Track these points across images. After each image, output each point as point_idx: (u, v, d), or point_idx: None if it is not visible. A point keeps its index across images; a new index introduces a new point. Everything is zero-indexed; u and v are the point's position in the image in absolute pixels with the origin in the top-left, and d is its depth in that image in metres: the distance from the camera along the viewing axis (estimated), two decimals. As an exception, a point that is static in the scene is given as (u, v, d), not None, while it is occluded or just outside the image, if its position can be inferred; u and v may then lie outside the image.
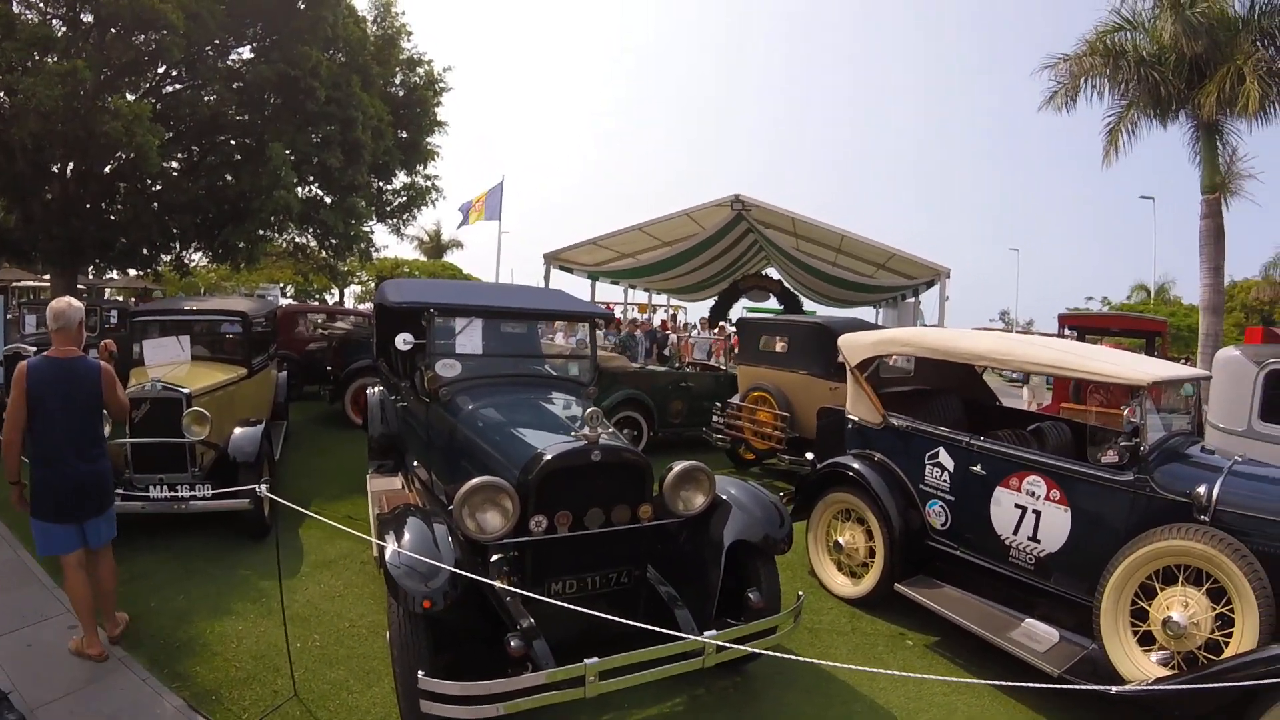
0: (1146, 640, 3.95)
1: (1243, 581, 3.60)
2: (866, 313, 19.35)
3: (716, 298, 21.39)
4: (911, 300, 17.45)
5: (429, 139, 18.79)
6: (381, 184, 18.76)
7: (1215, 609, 3.73)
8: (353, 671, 4.11)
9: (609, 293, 23.71)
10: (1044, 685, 3.66)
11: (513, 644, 3.20)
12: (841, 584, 5.49)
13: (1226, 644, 3.68)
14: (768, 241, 16.44)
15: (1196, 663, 3.73)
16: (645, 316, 24.96)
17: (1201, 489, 3.90)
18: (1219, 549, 3.67)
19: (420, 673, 2.98)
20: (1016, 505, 4.62)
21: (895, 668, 4.45)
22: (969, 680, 4.14)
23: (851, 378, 5.82)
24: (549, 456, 3.60)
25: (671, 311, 28.62)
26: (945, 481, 5.04)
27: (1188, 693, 3.50)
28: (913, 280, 16.45)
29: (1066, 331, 13.04)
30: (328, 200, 16.80)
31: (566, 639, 3.44)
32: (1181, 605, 3.79)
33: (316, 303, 36.12)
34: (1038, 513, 4.51)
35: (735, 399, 9.27)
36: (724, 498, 4.09)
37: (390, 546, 3.27)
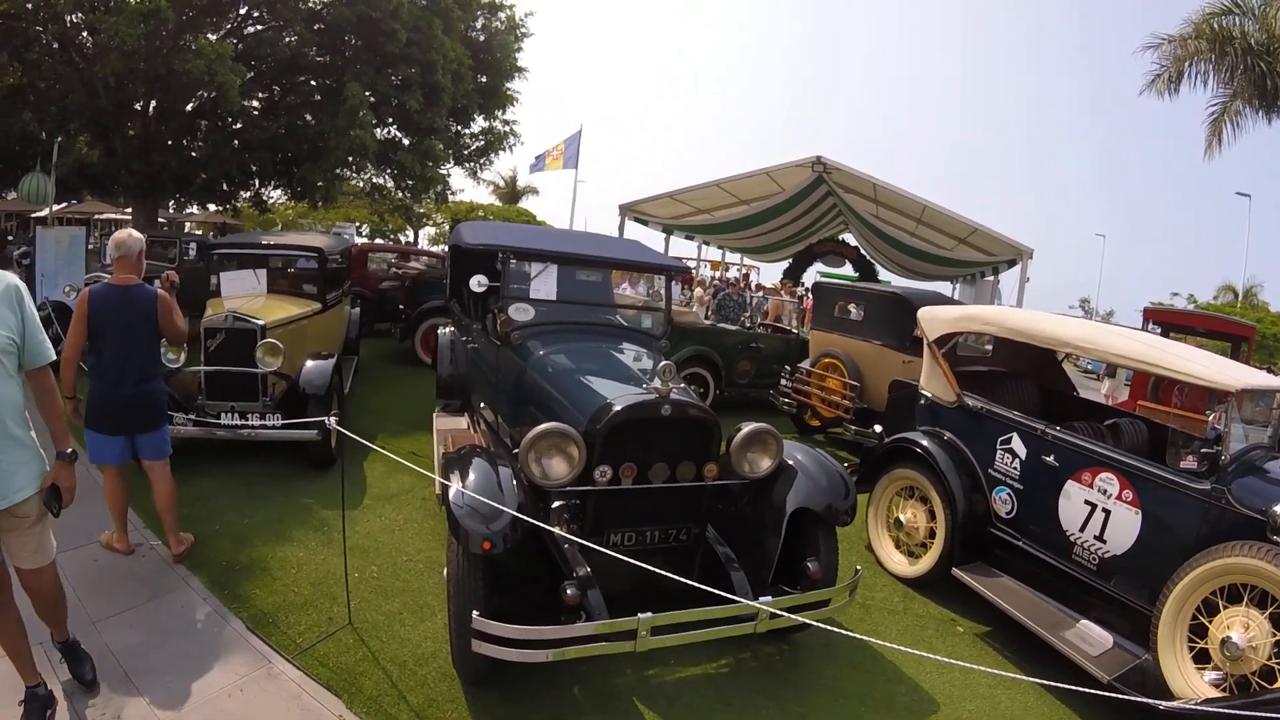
0: (1202, 658, 3.82)
1: None
2: (943, 287, 18.80)
3: (790, 260, 21.10)
4: (990, 279, 16.90)
5: (508, 84, 18.76)
6: (460, 128, 18.85)
7: (1277, 635, 3.58)
8: (407, 605, 4.22)
9: (682, 248, 23.60)
10: (1091, 690, 3.57)
11: (569, 592, 3.23)
12: (898, 562, 5.43)
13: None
14: (846, 206, 16.10)
15: (1249, 687, 3.61)
16: (733, 275, 24.59)
17: (1279, 508, 3.71)
18: None
19: (475, 613, 3.03)
20: (1087, 501, 4.49)
21: (943, 653, 4.38)
22: (1016, 675, 4.06)
23: (928, 352, 5.70)
24: (618, 407, 3.57)
25: (744, 270, 28.33)
26: (1015, 469, 4.92)
27: (1237, 718, 3.41)
28: (993, 258, 15.93)
29: (1151, 326, 12.49)
30: (406, 142, 16.98)
31: (620, 591, 3.45)
32: (1243, 626, 3.65)
33: (391, 242, 36.79)
34: (1107, 511, 4.38)
35: (805, 364, 9.17)
36: (790, 463, 4.02)
37: (454, 486, 3.32)
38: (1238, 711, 3.35)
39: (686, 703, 3.62)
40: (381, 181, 19.10)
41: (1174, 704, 3.61)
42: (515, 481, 3.45)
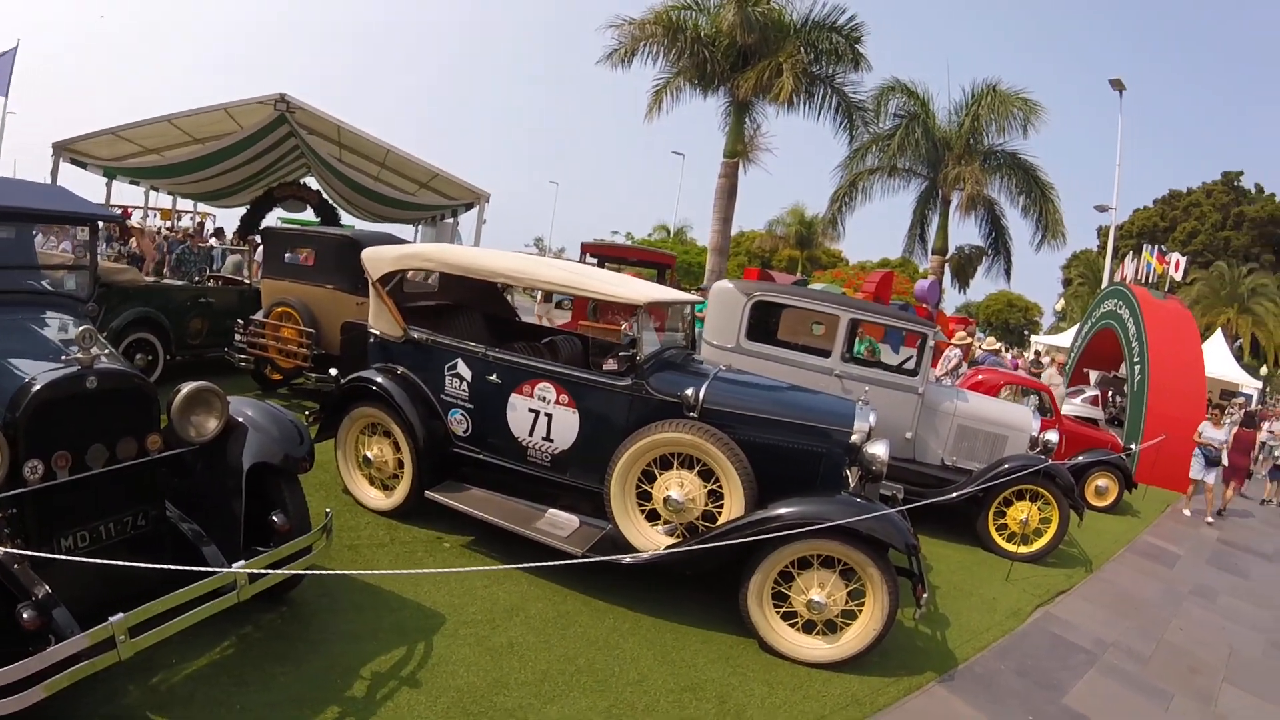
0: (655, 517, 4.49)
1: (726, 463, 4.25)
2: (406, 230, 18.85)
3: (248, 206, 18.93)
4: (450, 221, 17.43)
5: None
6: None
7: (707, 487, 4.35)
8: None
9: (128, 194, 19.67)
10: (570, 563, 3.97)
11: (26, 616, 2.54)
12: (375, 497, 5.34)
13: (720, 514, 4.34)
14: (309, 149, 14.92)
15: (697, 530, 4.36)
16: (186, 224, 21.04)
17: (689, 391, 4.49)
18: (704, 438, 4.26)
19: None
20: (530, 409, 4.85)
21: (435, 569, 4.47)
22: (504, 567, 4.31)
23: (374, 291, 5.54)
24: (38, 386, 2.86)
25: (199, 219, 24.80)
26: (464, 391, 5.08)
27: (696, 554, 4.10)
28: (453, 201, 16.36)
29: (588, 258, 14.12)
30: None
31: (93, 600, 2.84)
32: (678, 486, 4.35)
33: None
34: (550, 415, 4.80)
35: (259, 315, 8.32)
36: (240, 420, 3.67)
37: None
38: (695, 548, 4.08)
39: (203, 697, 3.14)
40: None
41: (639, 556, 4.27)
42: None
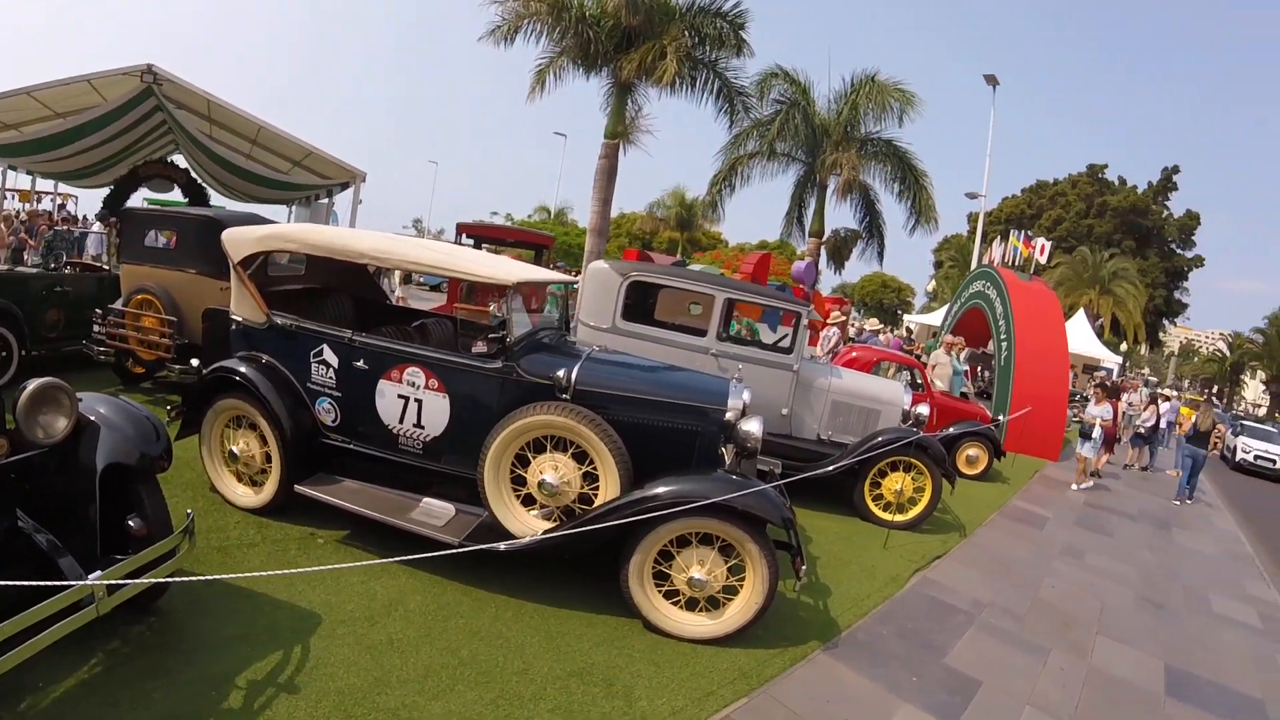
0: (531, 502, 4.35)
1: (599, 444, 4.13)
2: (279, 212, 17.88)
3: (112, 185, 17.45)
4: (325, 201, 16.65)
5: None
6: None
7: (582, 469, 4.22)
8: None
9: None
10: (446, 553, 3.82)
11: None
12: (243, 494, 5.00)
13: (596, 496, 4.23)
14: (177, 124, 13.85)
15: (574, 514, 4.24)
16: (46, 206, 19.25)
17: (561, 372, 4.33)
18: (577, 419, 4.13)
19: None
20: (400, 395, 4.62)
21: (309, 567, 4.17)
22: (378, 561, 4.09)
23: (235, 275, 5.16)
24: None
25: (60, 201, 22.84)
26: (331, 378, 4.80)
27: (573, 538, 3.98)
28: (328, 181, 15.63)
29: (465, 239, 13.71)
30: None
31: None
32: (553, 469, 4.21)
33: None
34: (420, 401, 4.58)
35: (118, 304, 7.66)
36: (92, 418, 3.37)
37: None
38: (572, 532, 3.97)
39: (70, 721, 2.85)
40: None
41: (515, 543, 4.09)
42: None
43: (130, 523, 3.25)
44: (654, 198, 45.10)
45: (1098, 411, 11.82)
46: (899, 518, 6.98)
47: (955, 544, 7.12)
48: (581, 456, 4.24)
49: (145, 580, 2.99)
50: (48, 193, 21.95)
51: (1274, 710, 5.06)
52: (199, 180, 16.81)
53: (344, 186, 15.20)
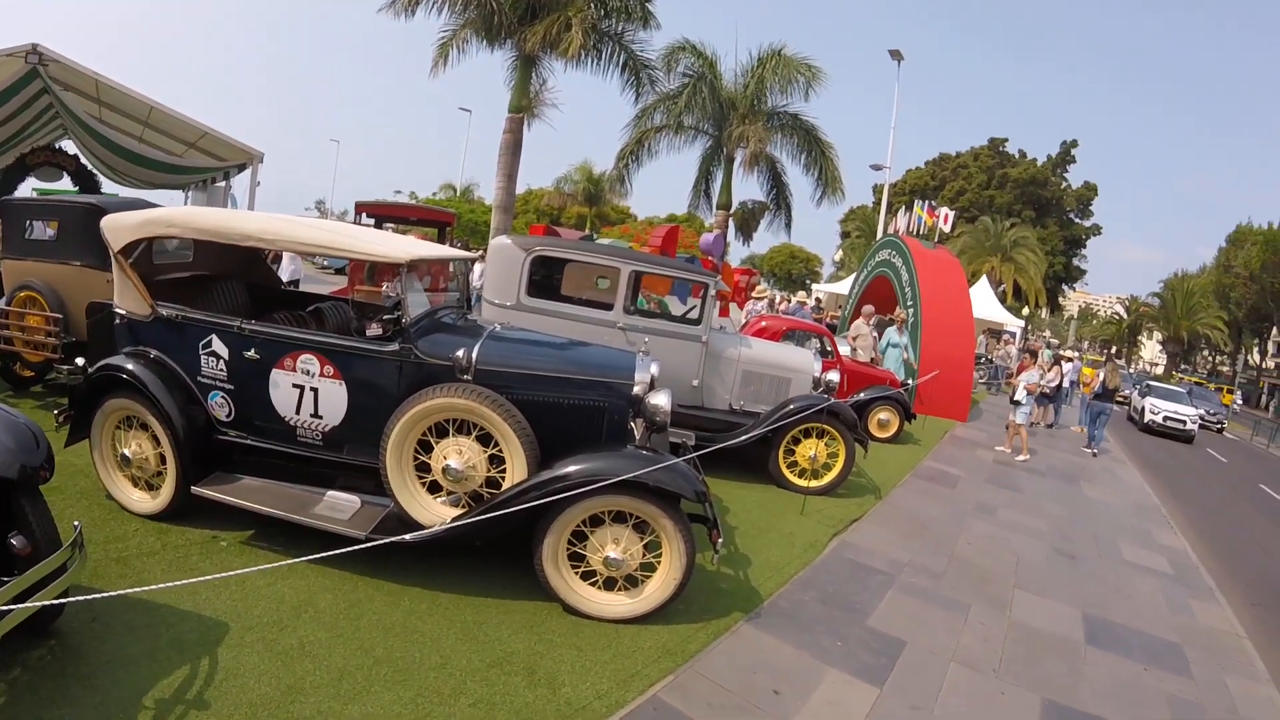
0: (438, 489, 4.15)
1: (503, 425, 3.94)
2: (175, 197, 16.92)
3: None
4: (222, 184, 15.83)
5: None
6: None
7: (487, 452, 4.02)
8: None
9: None
10: (353, 549, 3.57)
11: None
12: (139, 500, 4.65)
13: (504, 479, 4.03)
14: (64, 107, 12.84)
15: (482, 499, 4.03)
16: None
17: (461, 352, 4.10)
18: (478, 400, 3.93)
19: None
20: (294, 385, 4.34)
21: (212, 573, 3.94)
22: (287, 562, 3.87)
23: (116, 265, 4.76)
24: None
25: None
26: (222, 370, 4.48)
27: (482, 524, 3.82)
28: (224, 163, 14.85)
29: (364, 219, 13.18)
30: None
31: None
32: (457, 453, 4.00)
33: None
34: (315, 389, 4.32)
35: (1, 303, 7.05)
36: None
37: None
38: (479, 519, 3.81)
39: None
40: None
41: (422, 533, 3.90)
42: None
43: (12, 542, 2.98)
44: (561, 173, 44.47)
45: (1030, 377, 12.04)
46: (814, 484, 7.05)
47: (871, 506, 7.24)
48: (486, 439, 4.06)
49: (31, 604, 2.74)
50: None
51: (1191, 653, 5.27)
52: (89, 167, 15.71)
53: (241, 169, 14.44)
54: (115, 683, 3.09)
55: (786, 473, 7.19)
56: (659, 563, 4.00)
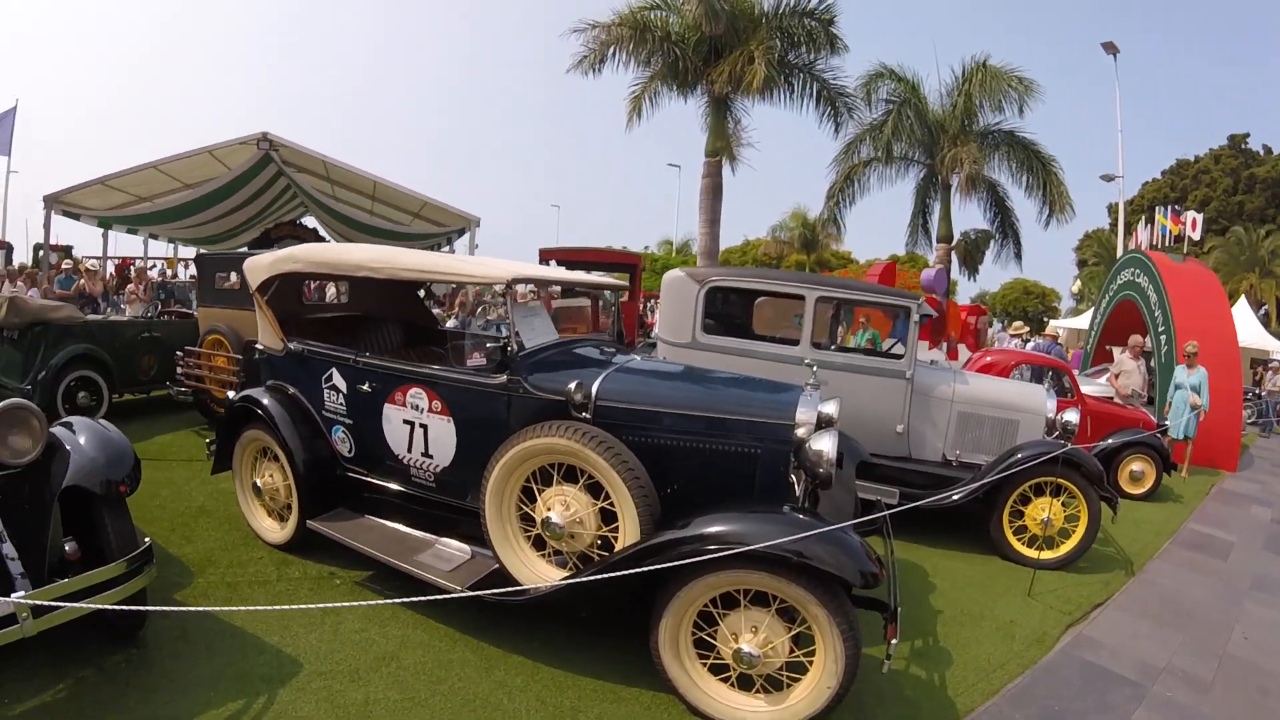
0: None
1: (611, 473, 3.14)
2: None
3: (246, 248, 18.52)
4: (447, 249, 16.81)
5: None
6: None
7: (597, 505, 3.25)
8: None
9: (128, 244, 20.06)
10: (454, 598, 3.15)
11: None
12: (270, 529, 4.57)
13: (617, 539, 3.24)
14: (299, 187, 14.37)
15: (591, 560, 3.28)
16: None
17: (573, 385, 3.36)
18: (581, 441, 3.16)
19: None
20: (405, 421, 3.89)
21: (302, 605, 3.76)
22: (376, 603, 3.60)
23: (256, 303, 4.70)
24: None
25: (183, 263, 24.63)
26: (342, 404, 4.19)
27: (579, 590, 3.05)
28: (445, 228, 15.77)
29: (552, 265, 13.27)
30: None
31: None
32: (561, 504, 3.28)
33: None
34: (425, 426, 3.83)
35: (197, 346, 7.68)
36: (63, 441, 3.22)
37: None
38: (567, 584, 3.11)
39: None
40: None
41: (497, 592, 3.29)
42: None
43: (65, 547, 3.07)
44: (776, 220, 43.37)
45: None
46: (1047, 555, 5.39)
47: (1120, 586, 5.44)
48: (598, 490, 3.24)
49: (84, 605, 2.77)
50: (190, 259, 23.68)
51: None
52: (328, 239, 17.45)
53: (460, 233, 15.23)
54: (168, 701, 2.95)
55: (1012, 540, 5.62)
56: (810, 663, 2.92)
